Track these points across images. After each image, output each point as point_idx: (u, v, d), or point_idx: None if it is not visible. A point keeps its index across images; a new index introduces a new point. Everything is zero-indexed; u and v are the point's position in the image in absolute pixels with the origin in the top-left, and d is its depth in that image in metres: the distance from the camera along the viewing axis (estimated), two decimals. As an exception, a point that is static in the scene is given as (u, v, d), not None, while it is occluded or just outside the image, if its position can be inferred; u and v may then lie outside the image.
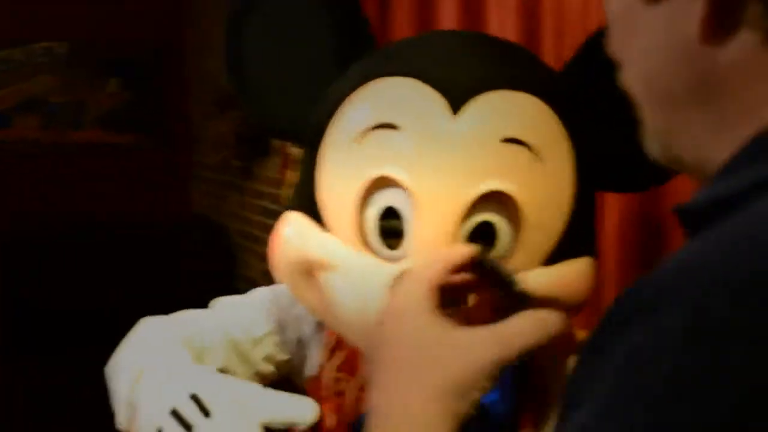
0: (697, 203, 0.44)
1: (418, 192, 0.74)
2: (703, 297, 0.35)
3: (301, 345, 0.93)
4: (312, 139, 0.83)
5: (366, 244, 0.78)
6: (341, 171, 0.79)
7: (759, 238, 0.36)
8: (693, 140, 0.47)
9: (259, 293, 0.97)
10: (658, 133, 0.50)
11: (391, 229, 0.77)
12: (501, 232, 0.77)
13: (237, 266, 3.71)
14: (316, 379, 0.89)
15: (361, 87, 0.80)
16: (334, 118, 0.81)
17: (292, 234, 0.81)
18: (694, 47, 0.43)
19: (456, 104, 0.75)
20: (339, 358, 0.88)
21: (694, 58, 0.44)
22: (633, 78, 0.50)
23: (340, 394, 0.87)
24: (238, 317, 0.92)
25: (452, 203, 0.75)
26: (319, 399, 0.82)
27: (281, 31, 0.85)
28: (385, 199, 0.77)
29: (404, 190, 0.75)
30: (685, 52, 0.44)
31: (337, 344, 0.88)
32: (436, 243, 0.73)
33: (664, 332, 0.35)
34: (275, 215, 1.17)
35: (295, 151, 2.47)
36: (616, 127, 0.72)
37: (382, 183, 0.77)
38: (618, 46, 0.50)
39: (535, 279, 0.77)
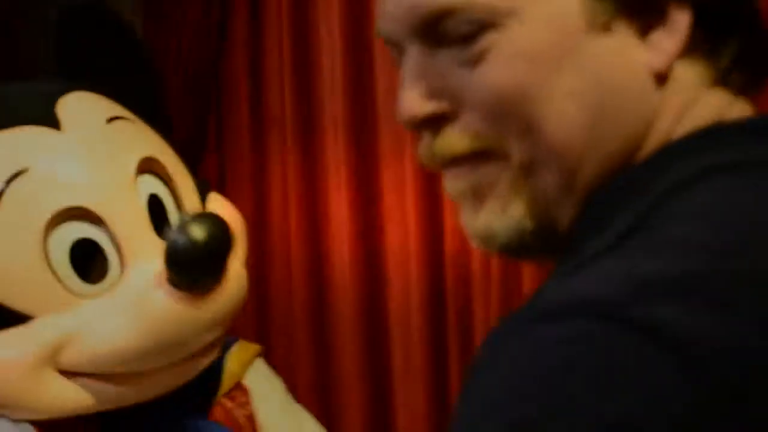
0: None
1: (89, 208, 0.83)
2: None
3: None
4: None
5: (75, 294, 0.83)
6: (6, 240, 0.82)
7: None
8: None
9: None
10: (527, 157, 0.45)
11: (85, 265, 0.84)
12: (164, 192, 0.91)
13: None
14: None
15: None
16: None
17: (12, 355, 0.83)
18: (636, 84, 0.43)
19: (54, 122, 0.88)
20: None
21: (626, 96, 0.44)
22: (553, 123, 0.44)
23: None
24: None
25: (119, 192, 0.88)
26: None
27: None
28: (62, 239, 0.83)
29: (73, 217, 0.83)
30: (620, 90, 0.43)
31: None
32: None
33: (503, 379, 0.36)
34: None
35: None
36: None
37: (49, 228, 0.82)
38: (531, 81, 0.44)
39: (216, 210, 0.92)
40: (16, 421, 0.91)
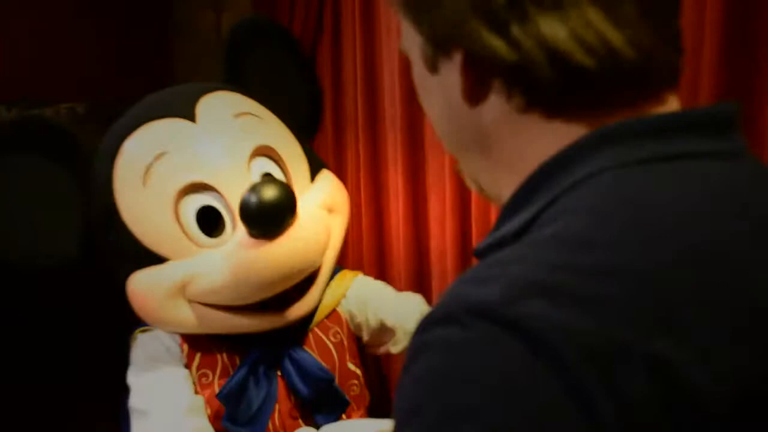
0: (483, 247, 0.54)
1: (212, 182, 1.02)
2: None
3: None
4: (100, 212, 1.05)
5: (199, 245, 1.02)
6: (151, 210, 1.00)
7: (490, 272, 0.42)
8: (488, 179, 0.57)
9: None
10: (470, 172, 0.60)
11: (209, 224, 1.03)
12: (276, 172, 1.08)
13: None
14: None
15: (122, 145, 1.04)
16: (114, 178, 1.03)
17: (143, 283, 1.03)
18: (463, 109, 0.52)
19: (191, 116, 1.08)
20: (198, 359, 1.09)
21: (464, 117, 0.52)
22: (437, 129, 0.59)
23: (207, 386, 1.06)
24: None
25: (237, 171, 1.06)
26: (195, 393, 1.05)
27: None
28: (191, 204, 1.02)
29: (202, 189, 1.01)
30: (459, 113, 0.53)
31: (191, 351, 1.06)
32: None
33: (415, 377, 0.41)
34: None
35: None
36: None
37: (181, 195, 1.01)
38: (421, 98, 0.60)
39: (318, 189, 1.10)
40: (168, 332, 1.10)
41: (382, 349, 1.24)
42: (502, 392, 0.36)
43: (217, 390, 1.05)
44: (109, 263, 1.08)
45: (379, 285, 1.29)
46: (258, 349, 1.07)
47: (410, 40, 0.56)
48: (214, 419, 1.05)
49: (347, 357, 1.17)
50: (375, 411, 1.25)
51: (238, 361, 1.06)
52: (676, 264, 0.40)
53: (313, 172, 1.15)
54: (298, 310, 1.05)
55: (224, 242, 1.00)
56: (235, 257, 0.97)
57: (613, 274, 0.38)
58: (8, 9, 1.80)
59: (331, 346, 1.15)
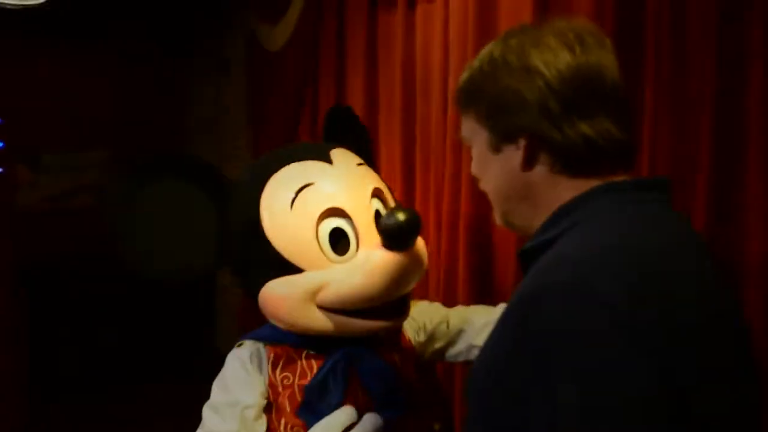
0: (529, 248, 0.84)
1: (346, 207, 1.21)
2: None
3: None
4: (246, 230, 1.21)
5: (329, 260, 1.19)
6: (295, 227, 1.18)
7: (558, 257, 0.74)
8: (521, 217, 0.89)
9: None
10: (501, 213, 0.93)
11: (336, 245, 1.20)
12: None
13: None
14: (271, 381, 1.23)
15: (270, 178, 1.23)
16: (261, 203, 1.21)
17: (284, 287, 1.19)
18: (518, 174, 0.85)
19: (328, 160, 1.26)
20: (282, 363, 1.24)
21: (516, 179, 0.85)
22: (488, 188, 0.92)
23: (287, 387, 1.22)
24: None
25: (363, 202, 1.25)
26: (277, 395, 1.20)
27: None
28: (327, 225, 1.19)
29: (337, 214, 1.19)
30: (513, 177, 0.86)
31: (275, 357, 1.23)
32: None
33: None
34: None
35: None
36: None
37: (322, 217, 1.18)
38: (478, 170, 0.93)
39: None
40: (255, 340, 1.25)
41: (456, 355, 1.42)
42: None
43: (296, 390, 1.20)
44: (246, 272, 1.25)
45: (435, 305, 1.50)
46: (340, 350, 1.21)
47: (474, 133, 0.91)
48: (292, 414, 1.19)
49: (408, 365, 1.32)
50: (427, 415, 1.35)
51: (314, 365, 1.20)
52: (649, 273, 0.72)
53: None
54: (401, 318, 1.24)
55: (348, 260, 1.18)
56: (369, 264, 1.14)
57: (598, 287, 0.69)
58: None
59: (396, 354, 1.31)
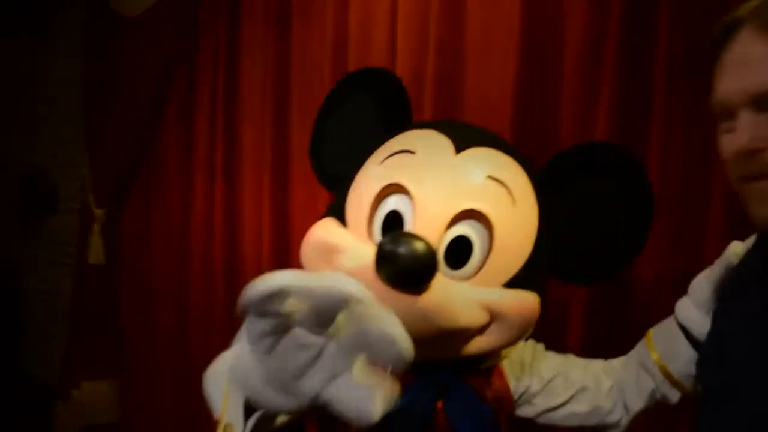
0: None
1: (417, 198, 1.00)
2: None
3: None
4: (352, 171, 1.10)
5: (372, 238, 1.03)
6: (365, 182, 1.07)
7: None
8: None
9: None
10: None
11: (391, 230, 1.01)
12: (476, 245, 1.01)
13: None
14: None
15: (396, 136, 1.10)
16: (372, 156, 1.10)
17: (318, 228, 1.08)
18: None
19: (459, 148, 1.04)
20: None
21: None
22: None
23: None
24: None
25: (442, 210, 0.99)
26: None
27: (347, 121, 1.20)
28: (392, 203, 1.03)
29: (408, 197, 1.00)
30: None
31: None
32: (426, 238, 0.94)
33: None
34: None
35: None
36: (575, 228, 1.07)
37: (392, 190, 1.03)
38: None
39: (497, 295, 1.00)
40: None
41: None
42: None
43: None
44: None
45: (532, 346, 1.26)
46: (425, 375, 1.03)
47: None
48: None
49: (501, 414, 1.15)
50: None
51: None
52: None
53: (514, 283, 1.05)
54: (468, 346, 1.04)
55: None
56: (361, 271, 0.95)
57: None
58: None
59: (485, 392, 1.13)
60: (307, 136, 1.29)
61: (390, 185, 1.03)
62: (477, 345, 1.03)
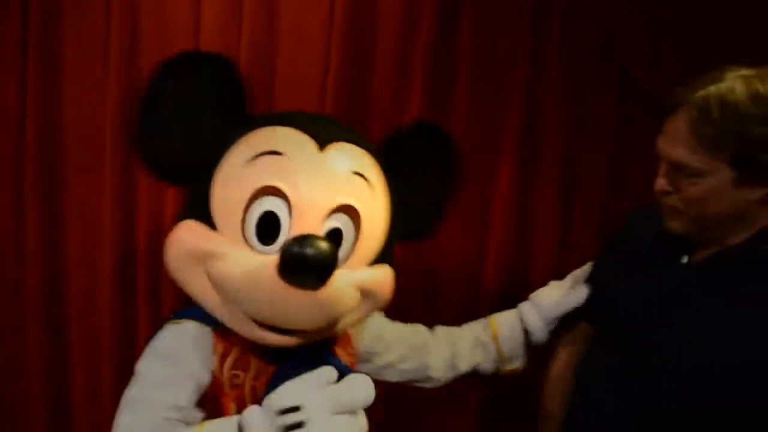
0: (749, 250, 1.10)
1: (293, 199, 1.05)
2: None
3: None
4: (207, 167, 1.10)
5: (246, 241, 1.06)
6: (234, 184, 1.07)
7: None
8: (722, 230, 1.12)
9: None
10: (698, 224, 1.12)
11: (265, 231, 1.05)
12: (346, 236, 1.10)
13: None
14: (216, 378, 1.11)
15: (251, 132, 1.11)
16: (228, 152, 1.10)
17: (184, 233, 1.08)
18: (749, 199, 1.07)
19: (321, 145, 1.10)
20: (232, 358, 1.12)
21: (740, 202, 1.08)
22: (713, 213, 1.10)
23: (237, 387, 1.11)
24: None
25: (318, 209, 1.06)
26: (221, 393, 1.10)
27: (176, 108, 1.12)
28: (266, 205, 1.05)
29: (283, 198, 1.05)
30: (737, 201, 1.07)
31: (225, 349, 1.12)
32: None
33: None
34: None
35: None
36: (408, 195, 1.22)
37: (265, 192, 1.05)
38: (710, 203, 1.09)
39: (367, 275, 1.13)
40: (201, 323, 1.12)
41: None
42: None
43: (248, 390, 1.11)
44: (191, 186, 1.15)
45: (377, 317, 1.40)
46: (298, 355, 1.11)
47: (714, 171, 1.05)
48: (237, 413, 1.04)
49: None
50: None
51: (269, 371, 1.12)
52: None
53: (376, 261, 1.18)
54: (280, 341, 1.10)
55: (270, 251, 1.05)
56: (257, 281, 1.02)
57: None
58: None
59: (346, 359, 1.25)
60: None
61: (264, 188, 1.05)
62: (350, 321, 1.16)
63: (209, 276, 1.06)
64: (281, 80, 1.77)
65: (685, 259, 1.15)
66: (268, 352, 1.12)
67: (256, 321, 1.06)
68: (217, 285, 1.05)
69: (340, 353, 1.24)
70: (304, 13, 1.75)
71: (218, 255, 1.04)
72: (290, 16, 1.75)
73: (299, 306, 1.01)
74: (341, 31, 1.75)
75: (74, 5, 1.74)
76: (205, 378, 1.10)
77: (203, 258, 1.06)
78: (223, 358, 1.12)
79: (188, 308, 1.14)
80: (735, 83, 1.02)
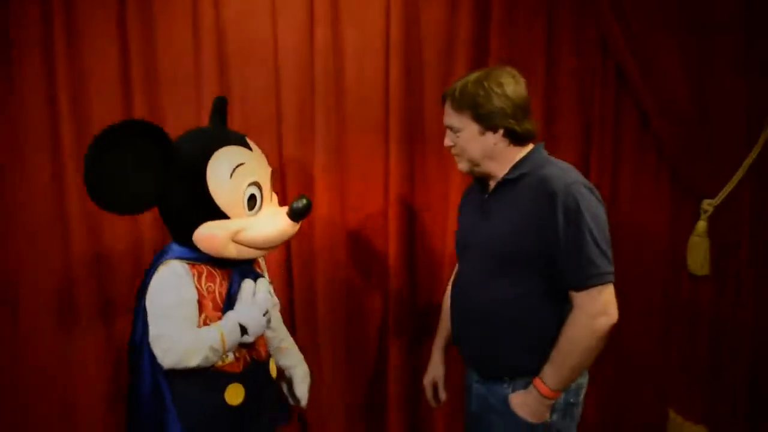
0: (511, 177, 1.71)
1: (264, 185, 1.73)
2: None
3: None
4: (194, 186, 1.64)
5: (245, 211, 1.70)
6: (232, 188, 1.67)
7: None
8: (487, 168, 1.75)
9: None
10: (475, 166, 1.75)
11: (250, 204, 1.71)
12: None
13: None
14: (198, 290, 1.70)
15: (213, 154, 1.66)
16: (207, 170, 1.65)
17: (217, 228, 1.67)
18: (490, 144, 1.71)
19: (247, 148, 1.75)
20: (204, 277, 1.73)
21: (488, 147, 1.72)
22: (472, 155, 1.72)
23: (210, 293, 1.73)
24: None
25: (269, 186, 1.78)
26: (202, 298, 1.70)
27: (120, 160, 1.56)
28: (249, 192, 1.70)
29: (257, 186, 1.71)
30: (487, 146, 1.71)
31: (198, 272, 1.72)
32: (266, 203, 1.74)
33: None
34: None
35: None
36: None
37: (250, 184, 1.69)
38: (467, 147, 1.72)
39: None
40: (182, 261, 1.69)
41: None
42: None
43: (218, 293, 1.74)
44: (180, 215, 1.69)
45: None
46: (241, 268, 1.77)
47: (465, 126, 1.69)
48: (213, 309, 1.71)
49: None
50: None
51: (227, 277, 1.76)
52: None
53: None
54: (256, 254, 1.79)
55: (254, 215, 1.72)
56: (277, 225, 1.73)
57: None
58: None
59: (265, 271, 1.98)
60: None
61: (251, 183, 1.70)
62: None
63: (240, 241, 1.68)
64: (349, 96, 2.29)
65: (486, 195, 1.76)
66: (224, 267, 1.74)
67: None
68: (250, 243, 1.69)
69: (256, 267, 1.89)
70: (366, 42, 2.25)
71: (243, 227, 1.68)
72: (354, 45, 2.25)
73: (290, 234, 1.75)
74: (397, 51, 2.22)
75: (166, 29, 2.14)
76: (195, 294, 1.69)
77: (234, 234, 1.67)
78: (199, 277, 1.72)
79: (164, 252, 1.73)
80: (472, 75, 1.68)
